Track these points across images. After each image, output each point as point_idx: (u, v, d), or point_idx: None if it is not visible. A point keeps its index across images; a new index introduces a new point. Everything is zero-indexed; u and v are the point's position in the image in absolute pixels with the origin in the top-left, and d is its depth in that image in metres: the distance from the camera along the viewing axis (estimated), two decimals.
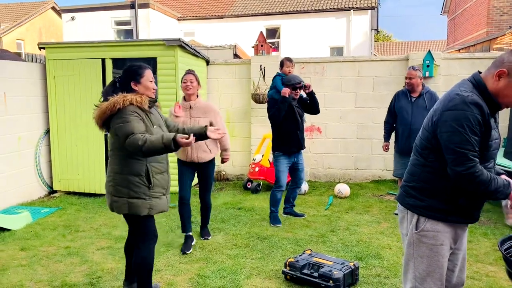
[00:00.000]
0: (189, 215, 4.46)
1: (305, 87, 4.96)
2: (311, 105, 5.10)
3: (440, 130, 2.03)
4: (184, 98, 4.36)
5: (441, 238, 2.14)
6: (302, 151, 5.21)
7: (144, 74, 3.01)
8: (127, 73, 3.01)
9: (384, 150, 5.61)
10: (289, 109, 4.95)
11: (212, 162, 4.47)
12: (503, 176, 2.19)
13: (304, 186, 6.68)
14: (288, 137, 5.01)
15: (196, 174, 4.49)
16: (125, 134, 2.81)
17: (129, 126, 2.82)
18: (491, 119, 2.04)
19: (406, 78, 5.24)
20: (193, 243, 4.42)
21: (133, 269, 3.10)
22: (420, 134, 2.23)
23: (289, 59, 5.44)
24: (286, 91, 4.84)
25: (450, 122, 1.99)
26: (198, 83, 4.30)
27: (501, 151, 6.13)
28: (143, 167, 2.93)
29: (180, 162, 4.41)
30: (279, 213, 5.23)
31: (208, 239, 4.60)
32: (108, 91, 2.98)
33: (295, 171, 5.23)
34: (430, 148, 2.13)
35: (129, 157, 2.91)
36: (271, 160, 7.04)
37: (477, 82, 2.08)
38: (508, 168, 5.25)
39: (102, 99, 2.98)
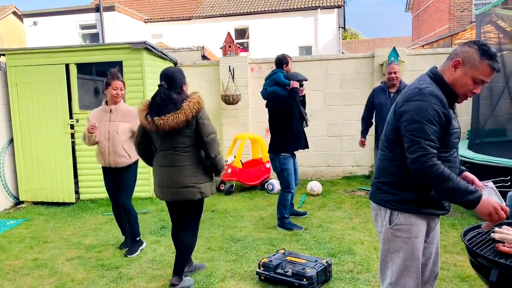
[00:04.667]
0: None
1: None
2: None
3: (401, 120, 2.09)
4: (106, 102, 4.31)
5: (415, 230, 2.16)
6: None
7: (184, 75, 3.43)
8: (177, 76, 3.32)
9: (361, 146, 5.59)
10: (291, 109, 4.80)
11: (131, 167, 4.34)
12: (475, 180, 2.26)
13: (277, 185, 6.70)
14: (297, 135, 4.86)
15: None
16: (212, 131, 3.29)
17: (212, 124, 3.33)
18: (450, 109, 2.10)
19: (390, 73, 5.17)
20: (142, 248, 4.41)
21: (182, 250, 3.47)
22: (385, 128, 2.27)
23: (290, 57, 5.23)
24: (294, 83, 4.75)
25: (409, 112, 2.04)
26: (125, 88, 4.34)
27: (465, 143, 6.31)
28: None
29: (102, 168, 4.37)
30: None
31: (129, 257, 4.24)
32: (169, 94, 3.23)
33: (294, 172, 5.06)
34: (395, 141, 2.16)
35: (198, 149, 3.34)
36: (243, 161, 7.05)
37: (434, 75, 2.15)
38: (473, 159, 5.41)
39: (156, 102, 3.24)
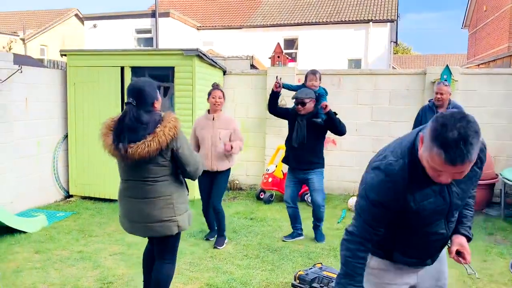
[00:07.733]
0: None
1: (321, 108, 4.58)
2: (330, 126, 4.66)
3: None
4: (208, 111, 4.68)
5: (387, 277, 2.00)
6: (317, 169, 4.82)
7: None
8: (148, 90, 2.76)
9: None
10: (291, 124, 4.82)
11: (226, 172, 4.75)
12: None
13: None
14: (286, 151, 4.99)
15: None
16: (194, 161, 2.86)
17: (192, 152, 2.91)
18: (417, 192, 1.74)
19: (436, 93, 5.10)
20: (226, 242, 4.80)
21: (157, 283, 3.00)
22: None
23: (313, 72, 4.92)
24: (274, 85, 4.79)
25: (362, 184, 1.89)
26: (224, 98, 4.65)
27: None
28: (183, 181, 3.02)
29: None
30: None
31: (218, 248, 4.65)
32: (138, 115, 2.71)
33: (308, 190, 5.06)
34: None
35: (174, 177, 2.87)
36: (284, 171, 7.06)
37: (412, 145, 1.79)
38: None
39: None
